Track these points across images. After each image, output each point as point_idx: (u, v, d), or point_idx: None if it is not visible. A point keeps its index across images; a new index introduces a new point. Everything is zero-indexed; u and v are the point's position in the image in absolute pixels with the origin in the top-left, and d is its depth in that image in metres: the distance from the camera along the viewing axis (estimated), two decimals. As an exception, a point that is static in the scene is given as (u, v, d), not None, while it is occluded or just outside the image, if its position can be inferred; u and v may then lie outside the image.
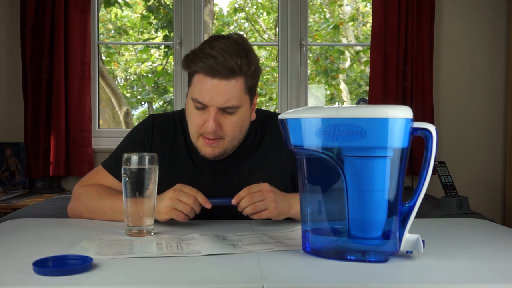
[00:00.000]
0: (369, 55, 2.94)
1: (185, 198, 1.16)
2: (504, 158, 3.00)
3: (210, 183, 1.38)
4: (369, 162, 0.88)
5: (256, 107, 1.46)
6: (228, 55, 1.21)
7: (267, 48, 5.44)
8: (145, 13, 5.10)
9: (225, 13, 5.58)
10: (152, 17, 5.08)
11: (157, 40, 5.21)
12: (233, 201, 1.17)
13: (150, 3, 4.99)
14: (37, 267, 0.80)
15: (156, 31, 5.12)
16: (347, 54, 5.39)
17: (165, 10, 4.96)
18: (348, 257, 0.90)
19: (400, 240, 0.91)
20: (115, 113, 4.86)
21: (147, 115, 1.47)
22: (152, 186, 1.10)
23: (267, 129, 1.42)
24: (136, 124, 1.53)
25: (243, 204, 1.17)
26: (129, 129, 1.49)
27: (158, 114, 1.49)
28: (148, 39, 5.27)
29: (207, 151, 1.29)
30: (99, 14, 3.25)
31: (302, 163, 0.94)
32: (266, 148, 1.41)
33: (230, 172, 1.39)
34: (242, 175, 1.38)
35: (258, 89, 1.38)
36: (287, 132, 0.93)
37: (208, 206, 1.17)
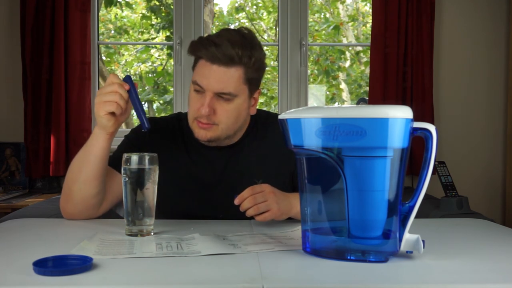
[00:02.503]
0: (369, 55, 2.94)
1: (108, 88, 1.17)
2: (504, 158, 3.00)
3: (210, 182, 1.38)
4: (369, 162, 0.88)
5: (257, 107, 1.47)
6: (230, 45, 1.26)
7: (267, 48, 5.44)
8: (147, 14, 5.10)
9: (225, 13, 5.58)
10: (154, 18, 5.08)
11: (159, 41, 5.21)
12: (236, 201, 1.17)
13: (151, 4, 4.99)
14: (37, 267, 0.80)
15: (158, 32, 5.12)
16: (347, 54, 5.39)
17: (166, 10, 4.96)
18: (348, 257, 0.90)
19: (400, 240, 0.91)
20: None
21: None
22: (152, 186, 1.10)
23: (268, 129, 1.43)
24: (135, 125, 1.54)
25: (245, 205, 1.17)
26: (129, 129, 1.49)
27: (155, 117, 1.52)
28: (148, 39, 5.27)
29: (201, 134, 1.33)
30: (99, 14, 3.25)
31: (302, 163, 0.94)
32: (267, 148, 1.42)
33: (230, 171, 1.39)
34: (242, 174, 1.38)
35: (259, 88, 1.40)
36: (287, 132, 0.93)
37: (126, 87, 1.17)
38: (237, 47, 1.26)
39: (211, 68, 1.27)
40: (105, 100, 1.16)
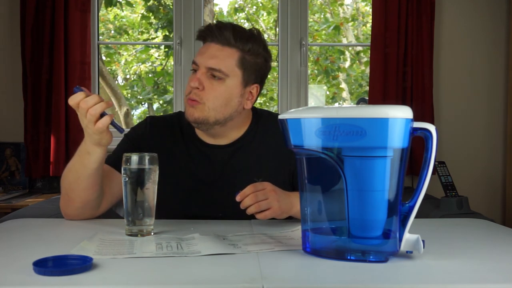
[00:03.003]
0: (369, 55, 2.94)
1: (81, 107, 1.15)
2: (504, 158, 3.00)
3: (210, 180, 1.38)
4: (369, 162, 0.88)
5: (257, 108, 1.47)
6: (231, 29, 1.32)
7: (267, 48, 5.43)
8: (145, 13, 5.10)
9: (225, 13, 5.58)
10: (152, 17, 5.09)
11: (157, 40, 5.21)
12: (238, 198, 1.17)
13: (150, 3, 4.99)
14: (37, 267, 0.80)
15: (156, 31, 5.12)
16: (347, 54, 5.39)
17: (165, 10, 4.96)
18: (348, 257, 0.90)
19: (400, 240, 0.91)
20: (115, 113, 4.86)
21: (146, 116, 1.48)
22: (152, 186, 1.10)
23: (269, 128, 1.43)
24: (135, 124, 1.54)
25: (246, 202, 1.17)
26: (129, 129, 1.49)
27: (155, 116, 1.51)
28: (148, 39, 5.27)
29: (188, 113, 1.34)
30: (99, 14, 3.25)
31: (302, 163, 0.94)
32: (267, 146, 1.42)
33: (229, 169, 1.39)
34: (241, 173, 1.38)
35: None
36: (287, 132, 0.93)
37: (109, 104, 1.18)
38: (237, 33, 1.32)
39: (208, 46, 1.33)
40: (91, 114, 1.13)
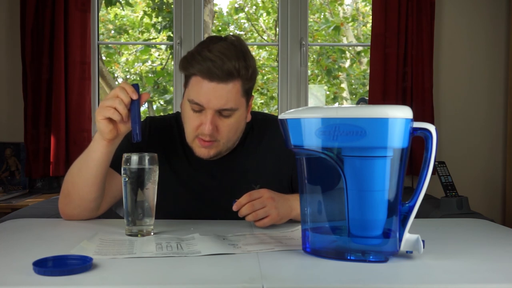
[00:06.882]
0: (369, 55, 2.95)
1: (112, 93, 1.16)
2: (504, 158, 3.00)
3: (208, 184, 1.38)
4: (369, 162, 0.88)
5: (258, 110, 1.46)
6: (226, 58, 1.21)
7: (267, 48, 5.44)
8: (148, 13, 5.10)
9: (225, 13, 5.58)
10: (155, 17, 5.09)
11: (160, 40, 5.21)
12: (234, 208, 1.17)
13: (152, 3, 4.99)
14: (37, 267, 0.80)
15: (159, 32, 5.12)
16: (347, 54, 5.39)
17: (168, 9, 4.96)
18: (348, 257, 0.90)
19: (400, 240, 0.91)
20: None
21: (146, 116, 1.47)
22: (152, 186, 1.10)
23: (266, 132, 1.42)
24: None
25: (243, 211, 1.17)
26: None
27: (154, 117, 1.49)
28: (148, 39, 5.27)
29: (202, 152, 1.30)
30: (99, 14, 3.25)
31: (302, 163, 0.94)
32: (265, 151, 1.41)
33: (227, 174, 1.38)
34: (239, 177, 1.38)
35: (259, 88, 1.39)
36: (287, 132, 0.93)
37: (134, 96, 1.16)
38: (233, 60, 1.22)
39: (210, 86, 1.22)
40: (106, 105, 1.14)
